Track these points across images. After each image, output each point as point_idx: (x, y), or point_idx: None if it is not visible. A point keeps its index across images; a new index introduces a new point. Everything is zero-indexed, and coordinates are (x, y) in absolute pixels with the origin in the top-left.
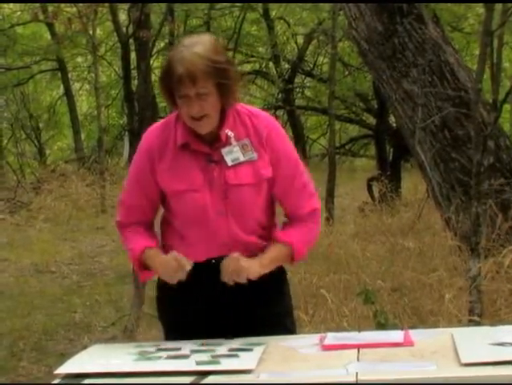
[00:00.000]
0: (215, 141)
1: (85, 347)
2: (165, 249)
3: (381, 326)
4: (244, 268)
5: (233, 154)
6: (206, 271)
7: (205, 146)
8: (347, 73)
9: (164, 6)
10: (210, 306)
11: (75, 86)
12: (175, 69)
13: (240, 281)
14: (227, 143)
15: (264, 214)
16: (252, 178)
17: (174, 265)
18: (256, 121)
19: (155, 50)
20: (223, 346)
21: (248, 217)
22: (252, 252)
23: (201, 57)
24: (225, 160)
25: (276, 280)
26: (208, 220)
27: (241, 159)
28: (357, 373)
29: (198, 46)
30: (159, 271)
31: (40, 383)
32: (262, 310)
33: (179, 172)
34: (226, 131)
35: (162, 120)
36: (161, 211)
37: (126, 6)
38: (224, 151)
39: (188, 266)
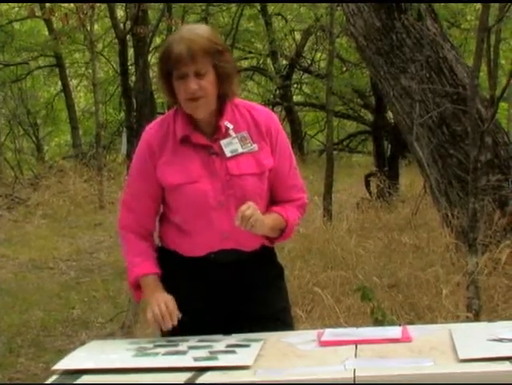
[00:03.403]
0: (214, 133)
1: (83, 343)
2: (164, 244)
3: (379, 323)
4: (260, 219)
5: (232, 146)
6: (205, 266)
7: (205, 138)
8: (344, 69)
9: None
10: (208, 303)
11: (73, 82)
12: (174, 48)
13: (247, 229)
14: (226, 134)
15: (265, 204)
16: (255, 168)
17: (163, 311)
18: (255, 114)
19: (152, 46)
20: (221, 343)
21: None
22: (252, 246)
23: (201, 36)
24: (224, 151)
25: (274, 276)
26: (209, 211)
27: (240, 150)
28: (355, 369)
29: (197, 29)
30: (148, 309)
31: (38, 383)
32: (261, 306)
33: (179, 166)
34: (225, 122)
35: (160, 117)
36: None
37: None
38: (223, 142)
39: (175, 319)
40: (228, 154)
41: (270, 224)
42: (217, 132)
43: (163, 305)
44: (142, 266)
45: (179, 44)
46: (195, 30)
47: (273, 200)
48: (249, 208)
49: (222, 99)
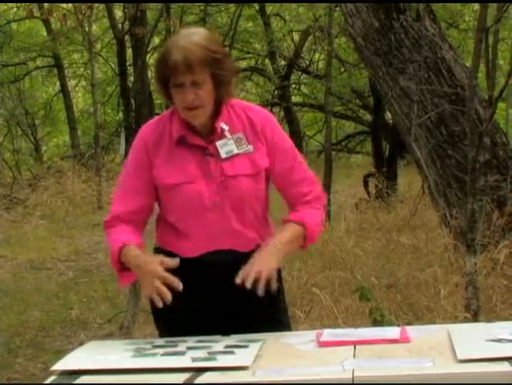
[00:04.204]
0: (210, 134)
1: (81, 344)
2: (160, 244)
3: (377, 323)
4: (264, 262)
5: (227, 147)
6: (201, 267)
7: (201, 139)
8: (343, 69)
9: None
10: (205, 303)
11: (72, 82)
12: (171, 56)
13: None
14: (222, 136)
15: (261, 206)
16: (250, 169)
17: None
18: (251, 114)
19: (151, 46)
20: (219, 343)
21: (246, 209)
22: (247, 247)
23: (198, 45)
24: (219, 152)
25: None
26: (204, 212)
27: (235, 151)
28: (353, 370)
29: (195, 35)
30: (138, 276)
31: (36, 384)
32: (259, 307)
33: (175, 166)
34: (221, 124)
35: (156, 117)
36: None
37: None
38: (218, 144)
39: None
40: (223, 155)
41: (283, 240)
42: (212, 133)
43: (157, 281)
44: (121, 239)
45: (176, 53)
46: (192, 37)
47: (288, 204)
48: (253, 266)
49: (219, 102)
